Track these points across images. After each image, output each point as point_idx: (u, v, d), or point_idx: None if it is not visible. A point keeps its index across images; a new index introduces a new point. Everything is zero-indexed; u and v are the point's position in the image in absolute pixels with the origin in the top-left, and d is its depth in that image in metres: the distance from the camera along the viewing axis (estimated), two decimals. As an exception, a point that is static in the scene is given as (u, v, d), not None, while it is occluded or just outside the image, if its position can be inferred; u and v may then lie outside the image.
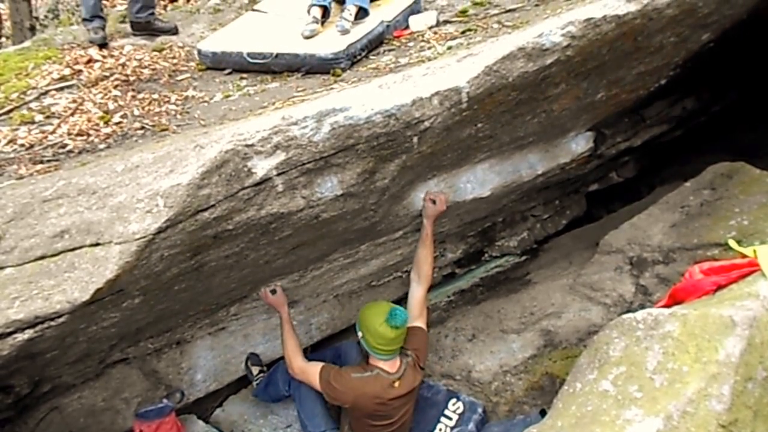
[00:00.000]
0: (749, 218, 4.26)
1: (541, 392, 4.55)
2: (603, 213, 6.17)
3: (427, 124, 3.56)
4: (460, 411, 4.56)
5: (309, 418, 4.50)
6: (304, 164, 3.40)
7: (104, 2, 5.86)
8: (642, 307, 4.20)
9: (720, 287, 3.47)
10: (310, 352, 4.97)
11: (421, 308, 4.48)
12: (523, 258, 5.84)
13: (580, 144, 4.95)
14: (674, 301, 3.62)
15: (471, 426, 4.48)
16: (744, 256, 3.68)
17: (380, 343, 4.09)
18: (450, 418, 4.55)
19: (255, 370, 4.80)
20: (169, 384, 4.43)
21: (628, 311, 3.90)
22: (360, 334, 4.19)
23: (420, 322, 4.44)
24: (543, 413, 4.04)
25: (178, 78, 5.08)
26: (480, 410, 4.53)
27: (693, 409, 2.76)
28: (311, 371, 4.29)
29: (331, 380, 4.19)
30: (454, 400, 4.61)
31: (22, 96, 4.79)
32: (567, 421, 3.07)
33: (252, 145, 3.24)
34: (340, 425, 4.50)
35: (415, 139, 3.63)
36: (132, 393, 4.29)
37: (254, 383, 4.78)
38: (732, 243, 3.98)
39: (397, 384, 4.18)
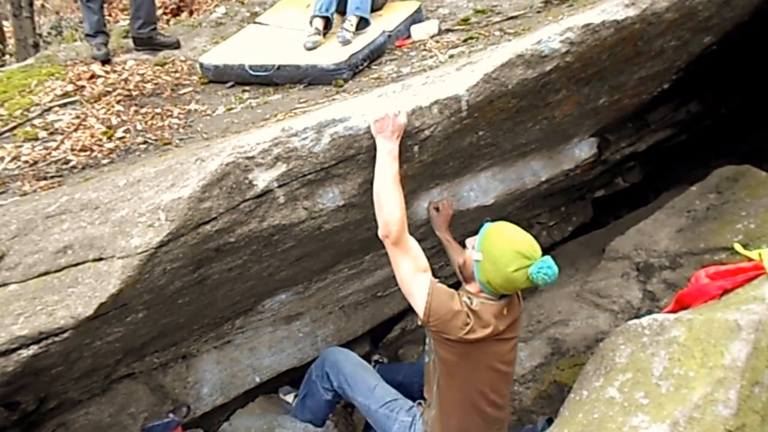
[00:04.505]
0: (756, 221, 4.25)
1: (550, 400, 4.53)
2: (610, 219, 6.15)
3: (427, 133, 3.56)
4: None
5: (366, 396, 4.00)
6: (305, 175, 3.40)
7: (107, 18, 5.89)
8: (650, 313, 4.16)
9: (726, 291, 3.45)
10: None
11: None
12: (529, 266, 5.82)
13: (583, 150, 4.93)
14: (680, 306, 3.61)
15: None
16: (750, 259, 3.66)
17: (503, 287, 3.36)
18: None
19: (289, 398, 4.74)
20: (175, 398, 4.41)
21: (635, 317, 3.88)
22: (479, 255, 3.39)
23: None
24: (550, 421, 4.02)
25: (181, 92, 5.09)
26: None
27: (700, 415, 2.74)
28: (420, 263, 3.45)
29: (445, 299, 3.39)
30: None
31: (25, 113, 4.82)
32: (573, 429, 3.06)
33: (252, 158, 3.24)
34: (425, 389, 3.83)
35: (416, 148, 3.62)
36: (138, 408, 4.28)
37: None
38: (738, 247, 3.96)
39: (505, 311, 3.47)
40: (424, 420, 3.76)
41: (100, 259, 3.18)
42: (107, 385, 4.14)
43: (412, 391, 3.95)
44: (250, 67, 4.97)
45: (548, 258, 3.25)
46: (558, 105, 4.12)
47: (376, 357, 5.14)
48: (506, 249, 3.30)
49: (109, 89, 5.05)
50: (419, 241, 4.41)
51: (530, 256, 3.25)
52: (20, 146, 4.44)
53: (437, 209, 4.24)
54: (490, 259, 3.33)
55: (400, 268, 3.42)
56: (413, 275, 3.40)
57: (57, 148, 4.38)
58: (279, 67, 4.89)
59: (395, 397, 3.96)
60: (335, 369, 4.15)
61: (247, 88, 5.04)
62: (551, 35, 3.65)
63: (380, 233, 3.38)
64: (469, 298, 3.40)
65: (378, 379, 4.07)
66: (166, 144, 4.35)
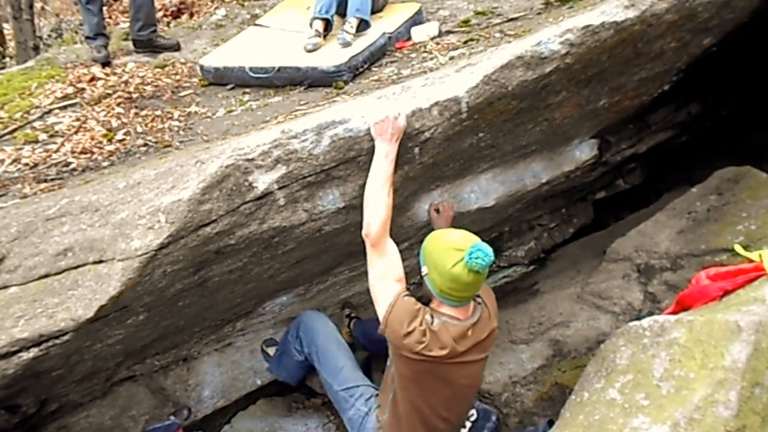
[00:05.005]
0: (757, 223, 4.24)
1: (551, 403, 4.52)
2: (611, 220, 6.14)
3: (427, 134, 3.56)
4: (473, 418, 4.47)
5: (332, 374, 4.01)
6: (305, 177, 3.40)
7: (107, 20, 5.89)
8: (651, 314, 4.15)
9: (726, 293, 3.44)
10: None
11: None
12: (531, 268, 5.81)
13: (584, 151, 4.93)
14: (681, 307, 3.60)
15: (484, 433, 4.40)
16: (750, 261, 3.66)
17: (453, 288, 3.27)
18: (463, 426, 4.50)
19: (271, 351, 4.66)
20: (176, 401, 4.41)
21: (636, 319, 3.87)
22: (425, 270, 3.37)
23: None
24: (551, 423, 4.01)
25: (181, 94, 5.09)
26: (494, 418, 4.46)
27: (700, 416, 2.72)
28: (393, 271, 3.44)
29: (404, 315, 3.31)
30: (467, 407, 4.56)
31: (26, 115, 4.82)
32: (574, 431, 3.04)
33: (252, 160, 3.25)
34: (380, 388, 3.85)
35: (417, 150, 3.62)
36: (139, 411, 4.28)
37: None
38: (738, 248, 3.96)
39: (470, 332, 3.40)
40: (377, 418, 3.77)
41: (101, 262, 3.19)
42: (108, 388, 4.14)
43: None
44: (251, 69, 4.97)
45: (478, 243, 3.21)
46: (558, 106, 4.11)
47: (347, 311, 5.02)
48: (441, 250, 3.29)
49: (110, 92, 5.04)
50: (419, 243, 4.43)
51: (462, 248, 3.20)
52: (20, 149, 4.44)
53: (438, 211, 4.23)
54: (432, 266, 3.32)
55: (372, 271, 3.45)
56: (382, 281, 3.41)
57: (57, 151, 4.38)
58: (279, 69, 4.90)
59: (358, 383, 3.95)
60: (309, 336, 4.12)
61: (247, 90, 5.04)
62: (551, 37, 3.66)
63: (363, 231, 3.41)
64: (432, 317, 3.34)
65: (348, 359, 4.05)
66: (166, 146, 4.34)
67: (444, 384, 3.48)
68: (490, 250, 3.19)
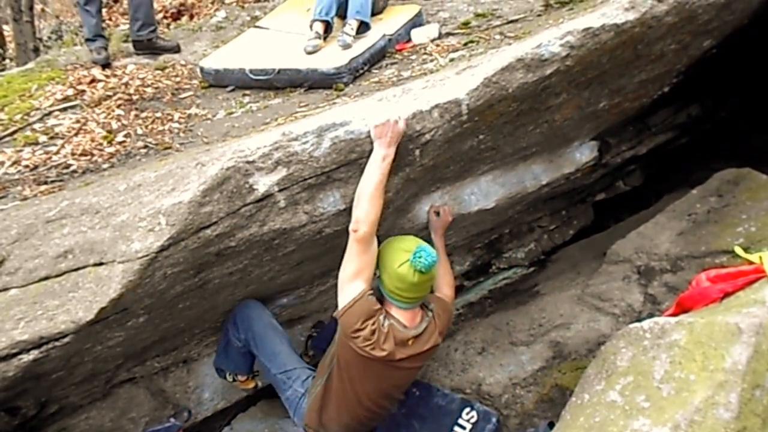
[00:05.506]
0: (757, 225, 4.23)
1: (551, 404, 4.52)
2: (611, 222, 6.13)
3: (428, 136, 3.56)
4: (473, 420, 4.49)
5: (269, 358, 4.07)
6: (305, 179, 3.40)
7: (108, 22, 5.89)
8: (651, 316, 4.15)
9: (727, 294, 3.44)
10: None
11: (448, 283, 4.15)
12: (531, 269, 5.80)
13: (584, 153, 4.92)
14: (681, 309, 3.60)
15: (485, 436, 4.41)
16: (750, 262, 3.65)
17: (399, 288, 3.51)
18: (464, 428, 4.47)
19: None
20: (176, 403, 4.41)
21: (637, 321, 3.87)
22: (377, 272, 3.61)
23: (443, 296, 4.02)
24: (551, 425, 4.01)
25: (181, 96, 5.10)
26: (494, 420, 4.48)
27: (701, 418, 2.72)
28: (366, 271, 3.54)
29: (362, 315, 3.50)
30: (467, 409, 4.53)
31: (26, 117, 4.83)
32: (575, 433, 3.05)
33: (253, 162, 3.25)
34: (317, 369, 3.99)
35: (417, 152, 3.62)
36: (139, 413, 4.27)
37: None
38: (738, 250, 3.96)
39: (411, 342, 3.61)
40: (310, 393, 3.91)
41: (101, 264, 3.19)
42: (108, 390, 4.13)
43: None
44: (251, 71, 4.98)
45: (424, 246, 3.50)
46: (558, 108, 4.11)
47: (312, 332, 4.97)
48: (391, 251, 3.55)
49: (110, 93, 5.05)
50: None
51: (409, 249, 3.48)
52: (20, 151, 4.45)
53: (437, 214, 4.24)
54: (383, 268, 3.56)
55: (348, 264, 3.52)
56: (353, 278, 3.51)
57: (57, 153, 4.38)
58: (279, 71, 4.90)
59: (295, 366, 4.06)
60: (246, 323, 4.14)
61: (247, 92, 5.05)
62: (551, 39, 3.66)
63: (351, 226, 3.47)
64: (384, 318, 3.55)
65: (284, 344, 4.13)
66: (166, 148, 4.35)
67: (374, 378, 3.70)
68: (434, 252, 3.49)
